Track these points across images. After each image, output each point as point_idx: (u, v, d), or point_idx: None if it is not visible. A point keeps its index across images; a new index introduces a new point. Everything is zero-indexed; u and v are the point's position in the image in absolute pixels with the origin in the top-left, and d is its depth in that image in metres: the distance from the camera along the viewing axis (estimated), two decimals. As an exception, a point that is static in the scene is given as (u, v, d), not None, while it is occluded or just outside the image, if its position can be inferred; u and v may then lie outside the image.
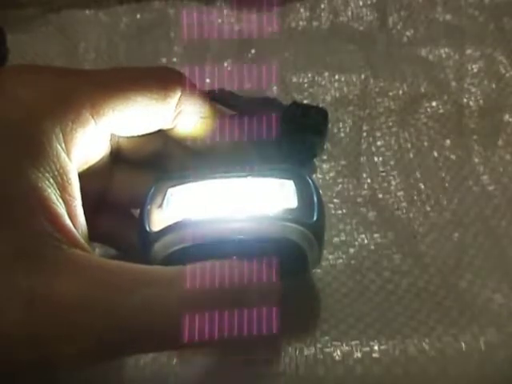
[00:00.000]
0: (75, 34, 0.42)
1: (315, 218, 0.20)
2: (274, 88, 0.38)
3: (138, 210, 0.27)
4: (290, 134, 0.32)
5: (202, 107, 0.23)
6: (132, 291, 0.17)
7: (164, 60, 0.41)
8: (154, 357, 0.26)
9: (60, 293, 0.16)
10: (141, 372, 0.26)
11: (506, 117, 0.36)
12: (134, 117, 0.21)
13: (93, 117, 0.20)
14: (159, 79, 0.22)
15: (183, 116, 0.22)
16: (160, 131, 0.23)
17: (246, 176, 0.22)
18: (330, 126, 0.35)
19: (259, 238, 0.20)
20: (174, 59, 0.41)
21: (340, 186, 0.33)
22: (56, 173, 0.19)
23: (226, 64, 0.40)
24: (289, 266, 0.19)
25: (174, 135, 0.23)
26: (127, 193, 0.24)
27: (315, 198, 0.21)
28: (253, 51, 0.41)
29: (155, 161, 0.25)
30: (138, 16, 0.44)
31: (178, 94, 0.22)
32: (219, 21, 0.43)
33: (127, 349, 0.18)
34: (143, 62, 0.40)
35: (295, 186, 0.21)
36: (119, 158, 0.24)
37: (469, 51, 0.40)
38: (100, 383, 0.26)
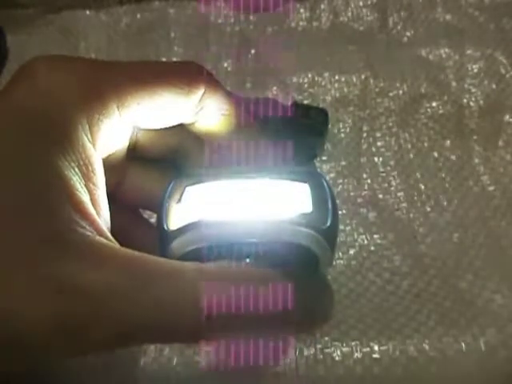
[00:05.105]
0: (75, 34, 0.42)
1: (329, 224, 0.21)
2: (274, 88, 0.38)
3: (147, 211, 0.27)
4: (290, 134, 0.32)
5: (225, 105, 0.23)
6: (155, 281, 0.17)
7: (164, 60, 0.41)
8: (155, 357, 0.26)
9: (87, 281, 0.17)
10: (141, 372, 0.26)
11: (507, 117, 0.36)
12: (157, 110, 0.21)
13: (118, 109, 0.20)
14: (184, 74, 0.22)
15: (205, 112, 0.22)
16: (178, 127, 0.23)
17: (262, 177, 0.22)
18: (330, 126, 0.35)
19: (272, 241, 0.20)
20: (174, 59, 0.41)
21: (340, 186, 0.33)
22: (81, 162, 0.19)
23: (225, 64, 0.40)
24: (300, 268, 0.20)
25: (194, 131, 0.23)
26: (138, 192, 0.24)
27: (330, 203, 0.21)
28: (253, 51, 0.41)
29: (170, 159, 0.25)
30: (138, 16, 0.44)
31: (202, 89, 0.22)
32: (219, 21, 0.43)
33: (149, 336, 0.18)
34: (143, 62, 0.40)
35: (310, 189, 0.22)
36: (134, 154, 0.24)
37: (469, 51, 0.39)
38: (100, 383, 0.26)
